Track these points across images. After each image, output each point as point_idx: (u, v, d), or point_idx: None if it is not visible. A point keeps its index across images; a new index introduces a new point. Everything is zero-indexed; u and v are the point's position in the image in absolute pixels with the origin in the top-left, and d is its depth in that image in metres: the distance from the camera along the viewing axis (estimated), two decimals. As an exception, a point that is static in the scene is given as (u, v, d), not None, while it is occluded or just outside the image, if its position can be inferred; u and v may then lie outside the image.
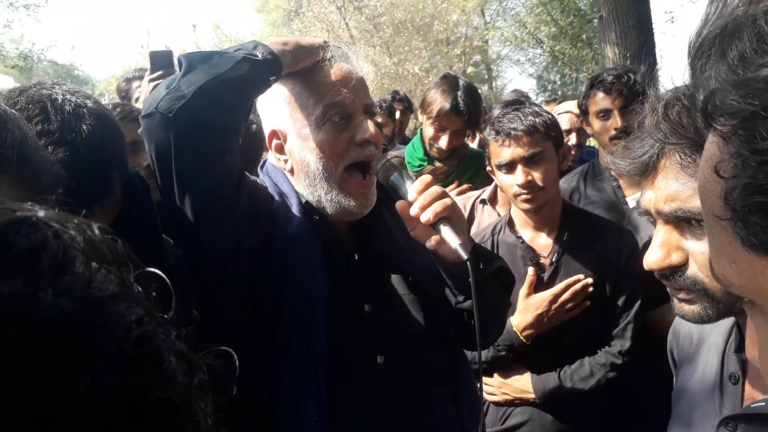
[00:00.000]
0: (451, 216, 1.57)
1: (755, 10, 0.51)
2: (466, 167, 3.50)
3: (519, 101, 2.79)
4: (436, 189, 1.59)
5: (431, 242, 1.59)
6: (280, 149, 1.77)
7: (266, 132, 1.80)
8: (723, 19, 0.53)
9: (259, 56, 1.56)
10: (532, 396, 2.43)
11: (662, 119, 1.04)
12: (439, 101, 3.27)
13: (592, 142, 5.27)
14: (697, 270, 1.11)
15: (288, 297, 1.62)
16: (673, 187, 1.12)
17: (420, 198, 1.57)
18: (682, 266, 1.13)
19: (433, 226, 1.56)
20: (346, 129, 1.68)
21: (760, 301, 0.56)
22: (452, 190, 3.36)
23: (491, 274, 1.77)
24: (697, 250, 1.11)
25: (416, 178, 1.65)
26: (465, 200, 3.13)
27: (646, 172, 1.18)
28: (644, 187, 1.19)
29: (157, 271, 0.50)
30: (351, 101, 1.68)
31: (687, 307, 1.16)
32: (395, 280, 1.78)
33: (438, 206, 1.55)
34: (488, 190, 3.13)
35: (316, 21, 20.76)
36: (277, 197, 1.75)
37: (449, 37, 22.47)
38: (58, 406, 0.39)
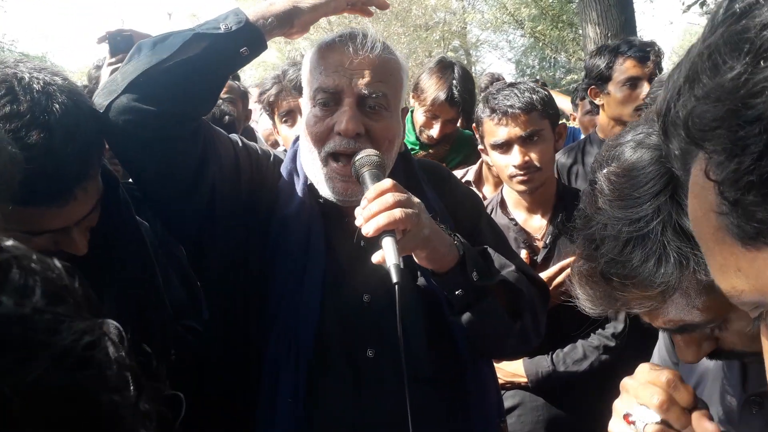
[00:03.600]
0: (408, 228, 1.41)
1: (704, 46, 0.58)
2: (457, 151, 3.45)
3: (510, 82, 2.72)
4: (387, 198, 1.40)
5: (377, 257, 1.40)
6: None
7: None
8: (681, 74, 0.61)
9: (221, 29, 1.48)
10: (524, 379, 2.40)
11: (607, 290, 1.03)
12: (434, 90, 3.20)
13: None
14: (733, 345, 1.09)
15: (278, 278, 1.58)
16: (662, 313, 1.04)
17: (367, 207, 1.41)
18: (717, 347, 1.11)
19: (380, 239, 1.39)
20: (332, 115, 1.58)
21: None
22: None
23: (496, 288, 1.63)
24: (724, 335, 1.08)
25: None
26: None
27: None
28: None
29: (112, 322, 0.55)
30: (340, 86, 1.57)
31: (744, 360, 1.15)
32: (402, 272, 1.64)
33: (383, 218, 1.37)
34: (472, 170, 3.07)
35: (294, 6, 20.54)
36: (285, 175, 1.69)
37: (428, 22, 22.35)
38: (6, 397, 0.42)
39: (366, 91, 1.57)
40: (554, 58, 18.89)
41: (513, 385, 2.43)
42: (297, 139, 1.77)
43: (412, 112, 3.45)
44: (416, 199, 1.47)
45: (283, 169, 1.70)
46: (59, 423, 0.44)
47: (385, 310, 1.59)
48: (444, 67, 3.32)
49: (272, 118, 3.06)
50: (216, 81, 1.56)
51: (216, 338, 1.71)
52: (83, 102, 1.41)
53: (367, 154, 1.53)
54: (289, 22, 1.58)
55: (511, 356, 2.15)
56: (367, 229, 1.38)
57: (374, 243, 1.55)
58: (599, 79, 3.28)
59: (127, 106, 1.42)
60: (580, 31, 11.25)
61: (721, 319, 1.01)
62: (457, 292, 1.55)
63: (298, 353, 1.54)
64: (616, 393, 2.41)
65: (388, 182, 1.45)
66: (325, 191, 1.62)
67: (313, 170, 1.63)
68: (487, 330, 1.64)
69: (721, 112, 0.54)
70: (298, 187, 1.66)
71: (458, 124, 3.52)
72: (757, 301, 0.59)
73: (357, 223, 1.42)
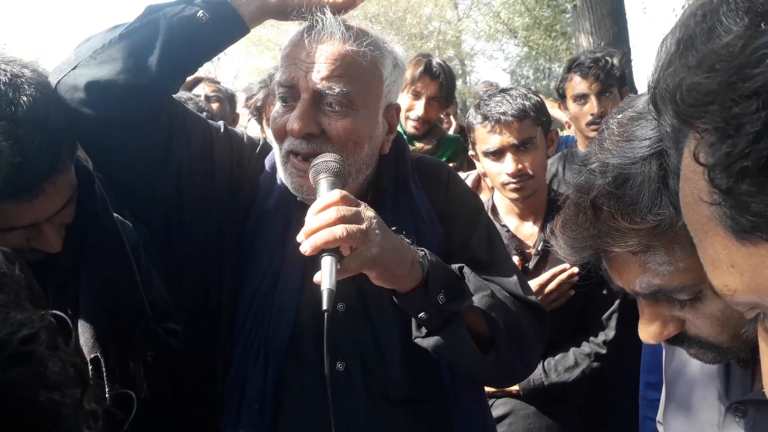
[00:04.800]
0: (353, 246, 1.28)
1: (698, 4, 0.53)
2: (442, 150, 3.46)
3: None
4: (330, 214, 1.27)
5: (317, 277, 1.25)
6: None
7: None
8: (674, 39, 0.55)
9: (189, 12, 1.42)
10: (516, 388, 2.39)
11: (594, 222, 0.97)
12: (413, 69, 3.25)
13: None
14: (698, 331, 1.05)
15: (251, 278, 1.50)
16: (638, 271, 1.00)
17: (309, 222, 1.28)
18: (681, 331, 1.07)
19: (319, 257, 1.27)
20: (290, 112, 1.46)
21: (765, 296, 0.51)
22: None
23: (471, 314, 1.50)
24: (692, 316, 1.03)
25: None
26: None
27: (593, 260, 1.07)
28: (605, 268, 1.07)
29: (57, 312, 0.52)
30: (295, 80, 1.45)
31: (701, 356, 1.11)
32: (335, 299, 1.44)
33: (321, 236, 1.24)
34: (472, 176, 3.07)
35: (288, 14, 20.66)
36: (269, 167, 1.61)
37: (422, 31, 22.45)
38: None
39: (320, 87, 1.43)
40: (548, 68, 18.99)
41: (503, 394, 2.42)
42: None
43: None
44: (370, 213, 1.35)
45: (267, 161, 1.62)
46: None
47: (359, 322, 1.51)
48: (421, 54, 3.43)
49: (260, 123, 3.05)
50: (173, 50, 1.41)
51: (186, 338, 1.65)
52: (54, 95, 1.38)
53: (324, 160, 1.40)
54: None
55: (494, 385, 2.06)
56: (305, 248, 1.25)
57: None
58: (559, 96, 3.37)
59: (76, 82, 1.36)
60: (573, 41, 11.33)
61: (698, 288, 0.97)
62: (420, 315, 1.44)
63: (268, 358, 1.47)
64: (606, 401, 2.42)
65: (335, 194, 1.32)
66: (289, 186, 1.51)
67: (279, 167, 1.53)
68: (455, 358, 1.52)
69: (714, 85, 0.48)
70: (279, 183, 1.57)
71: (447, 121, 3.55)
72: (753, 302, 0.53)
73: (297, 238, 1.29)
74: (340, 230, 1.25)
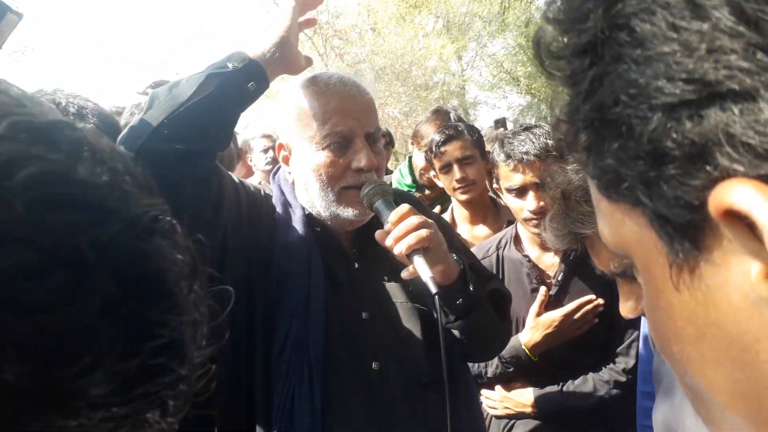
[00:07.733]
0: (429, 246, 1.57)
1: None
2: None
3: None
4: (411, 221, 1.57)
5: (406, 273, 1.59)
6: (287, 161, 1.85)
7: (277, 142, 1.89)
8: None
9: (230, 67, 1.56)
10: (534, 410, 2.43)
11: (567, 210, 1.15)
12: (432, 134, 3.37)
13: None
14: None
15: (286, 303, 1.69)
16: (609, 253, 1.16)
17: (394, 230, 1.58)
18: None
19: (408, 257, 1.56)
20: (344, 155, 1.71)
21: (629, 254, 0.49)
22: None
23: (485, 296, 1.82)
24: None
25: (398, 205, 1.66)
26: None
27: (574, 244, 1.25)
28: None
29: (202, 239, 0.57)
30: (351, 129, 1.71)
31: None
32: (394, 288, 1.82)
33: (411, 239, 1.55)
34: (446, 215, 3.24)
35: (298, 67, 20.98)
36: (279, 208, 1.83)
37: (427, 82, 22.79)
38: (83, 251, 0.43)
39: (372, 130, 1.75)
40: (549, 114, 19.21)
41: (523, 415, 2.46)
42: (276, 171, 1.94)
43: (410, 157, 3.62)
44: (430, 220, 1.63)
45: (276, 203, 1.84)
46: (127, 282, 0.45)
47: (383, 325, 1.77)
48: (441, 114, 3.53)
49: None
50: (231, 117, 1.64)
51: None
52: (112, 125, 1.56)
53: (378, 184, 1.70)
54: (282, 51, 1.65)
55: (492, 357, 2.29)
56: (400, 249, 1.55)
57: (368, 265, 1.83)
58: None
59: (155, 148, 1.49)
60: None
61: None
62: (458, 302, 1.71)
63: (312, 376, 1.64)
64: (622, 428, 2.45)
65: (406, 207, 1.62)
66: (341, 216, 1.74)
67: (324, 204, 1.75)
68: (481, 333, 1.81)
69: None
70: (296, 218, 1.79)
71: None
72: (623, 254, 0.50)
73: (387, 244, 1.59)
74: (425, 232, 1.56)
